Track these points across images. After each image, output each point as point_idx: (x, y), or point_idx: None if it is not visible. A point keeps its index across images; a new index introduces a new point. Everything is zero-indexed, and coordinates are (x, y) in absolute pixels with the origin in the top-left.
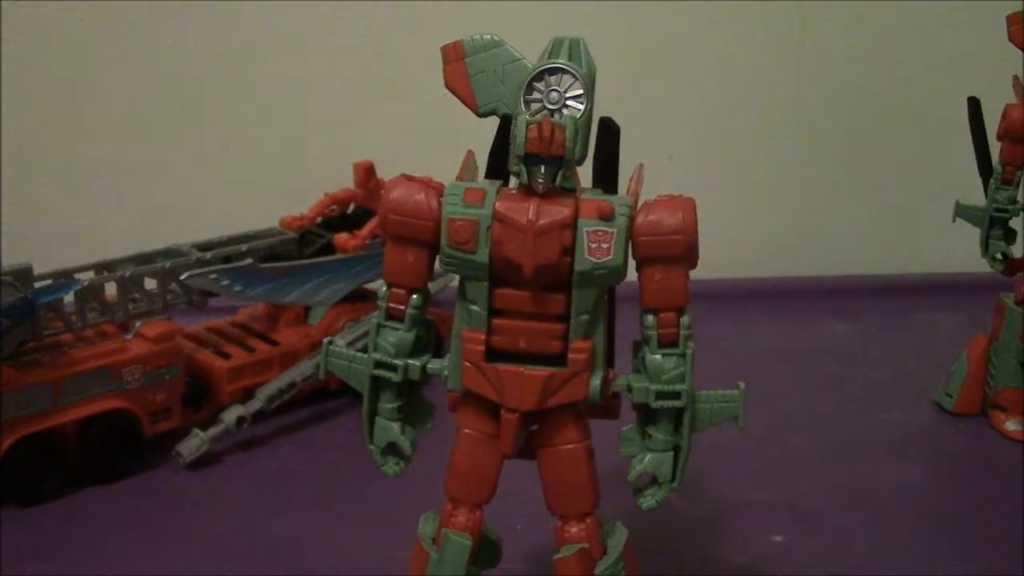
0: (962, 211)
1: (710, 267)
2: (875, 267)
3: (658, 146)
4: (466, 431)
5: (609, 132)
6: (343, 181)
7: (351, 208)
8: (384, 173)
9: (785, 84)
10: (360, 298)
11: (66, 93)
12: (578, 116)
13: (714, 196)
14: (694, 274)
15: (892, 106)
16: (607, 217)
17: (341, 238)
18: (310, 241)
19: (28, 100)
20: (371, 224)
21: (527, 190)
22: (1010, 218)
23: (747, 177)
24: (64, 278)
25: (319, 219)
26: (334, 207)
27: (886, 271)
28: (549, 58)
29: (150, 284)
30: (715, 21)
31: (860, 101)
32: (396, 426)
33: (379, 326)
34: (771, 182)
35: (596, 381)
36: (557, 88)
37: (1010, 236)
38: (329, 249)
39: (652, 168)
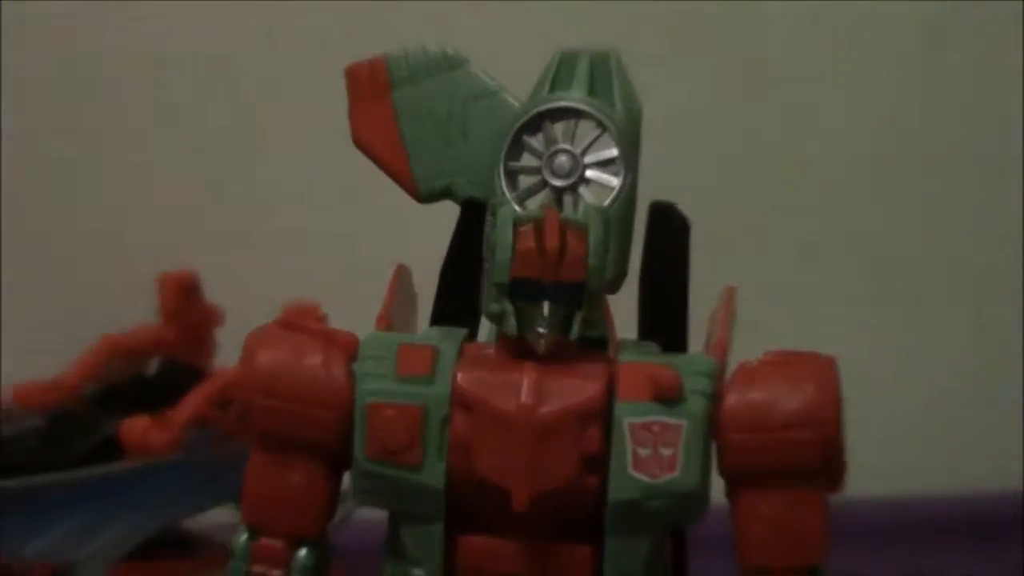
0: None
1: None
2: None
3: (750, 240)
4: None
5: (669, 231)
6: (138, 310)
7: (154, 366)
8: (225, 294)
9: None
10: (175, 550)
11: None
12: (610, 202)
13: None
14: None
15: None
16: (669, 397)
17: (135, 427)
18: (72, 432)
19: None
20: (196, 397)
21: (516, 347)
22: None
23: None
24: None
25: (90, 388)
26: (118, 363)
27: None
28: (552, 90)
29: None
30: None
31: None
32: None
33: None
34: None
35: None
36: (568, 148)
37: None
38: (111, 448)
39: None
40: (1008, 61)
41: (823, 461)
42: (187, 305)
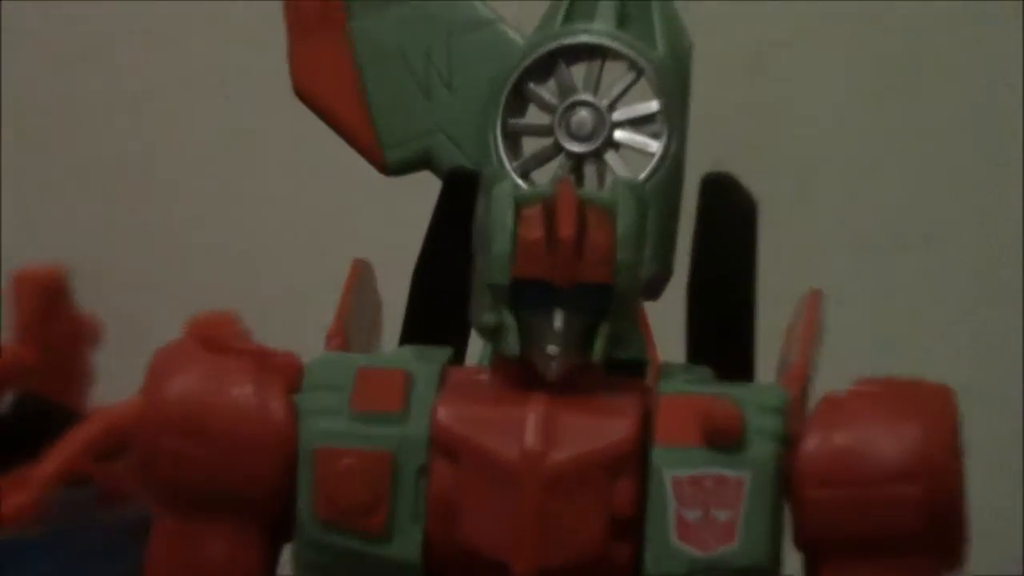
0: None
1: None
2: None
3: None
4: None
5: (729, 214)
6: None
7: (5, 403)
8: (115, 300)
9: None
10: None
11: None
12: (648, 174)
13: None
14: None
15: None
16: (727, 441)
17: None
18: None
19: None
20: (68, 446)
21: (518, 373)
22: None
23: None
24: None
25: None
26: None
27: None
28: (568, 21)
29: None
30: None
31: None
32: None
33: None
34: None
35: None
36: (591, 100)
37: None
38: None
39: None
40: None
41: (932, 526)
42: (51, 315)
